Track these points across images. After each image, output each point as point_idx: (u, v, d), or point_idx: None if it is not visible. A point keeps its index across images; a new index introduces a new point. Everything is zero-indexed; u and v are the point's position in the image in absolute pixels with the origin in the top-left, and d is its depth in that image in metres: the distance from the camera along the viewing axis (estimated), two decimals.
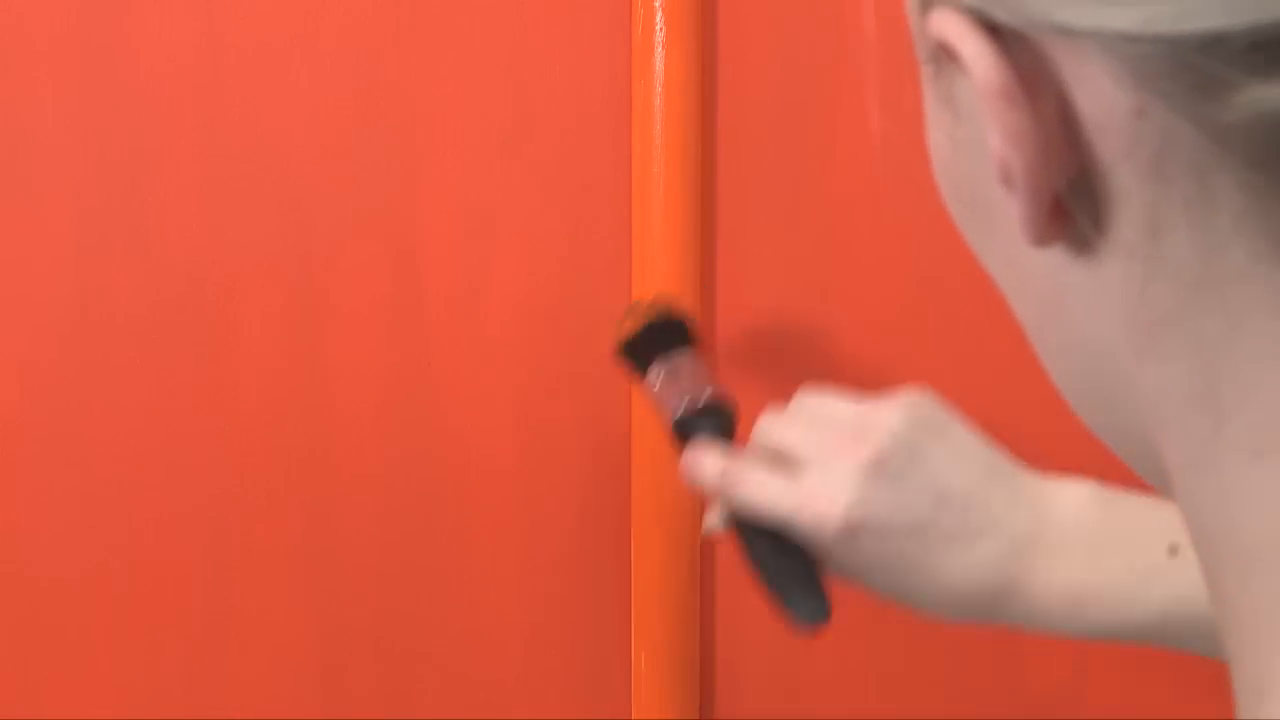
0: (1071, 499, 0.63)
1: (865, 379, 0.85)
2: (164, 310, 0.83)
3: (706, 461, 0.65)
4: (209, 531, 0.85)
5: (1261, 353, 0.29)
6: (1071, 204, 0.31)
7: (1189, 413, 0.31)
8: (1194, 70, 0.27)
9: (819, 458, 0.62)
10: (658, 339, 0.75)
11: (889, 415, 0.63)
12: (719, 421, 0.71)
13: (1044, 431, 0.86)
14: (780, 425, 0.65)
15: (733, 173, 0.83)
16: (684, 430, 0.71)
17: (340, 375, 0.84)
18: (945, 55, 0.32)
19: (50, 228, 0.82)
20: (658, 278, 0.81)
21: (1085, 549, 0.61)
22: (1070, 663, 0.88)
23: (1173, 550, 0.60)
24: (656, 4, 0.79)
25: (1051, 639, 0.88)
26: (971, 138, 0.33)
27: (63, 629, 0.86)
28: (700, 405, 0.71)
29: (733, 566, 0.86)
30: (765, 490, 0.63)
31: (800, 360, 0.83)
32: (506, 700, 0.87)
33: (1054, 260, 0.33)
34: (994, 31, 0.30)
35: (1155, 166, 0.29)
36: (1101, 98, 0.29)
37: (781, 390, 0.85)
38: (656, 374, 0.74)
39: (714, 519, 0.68)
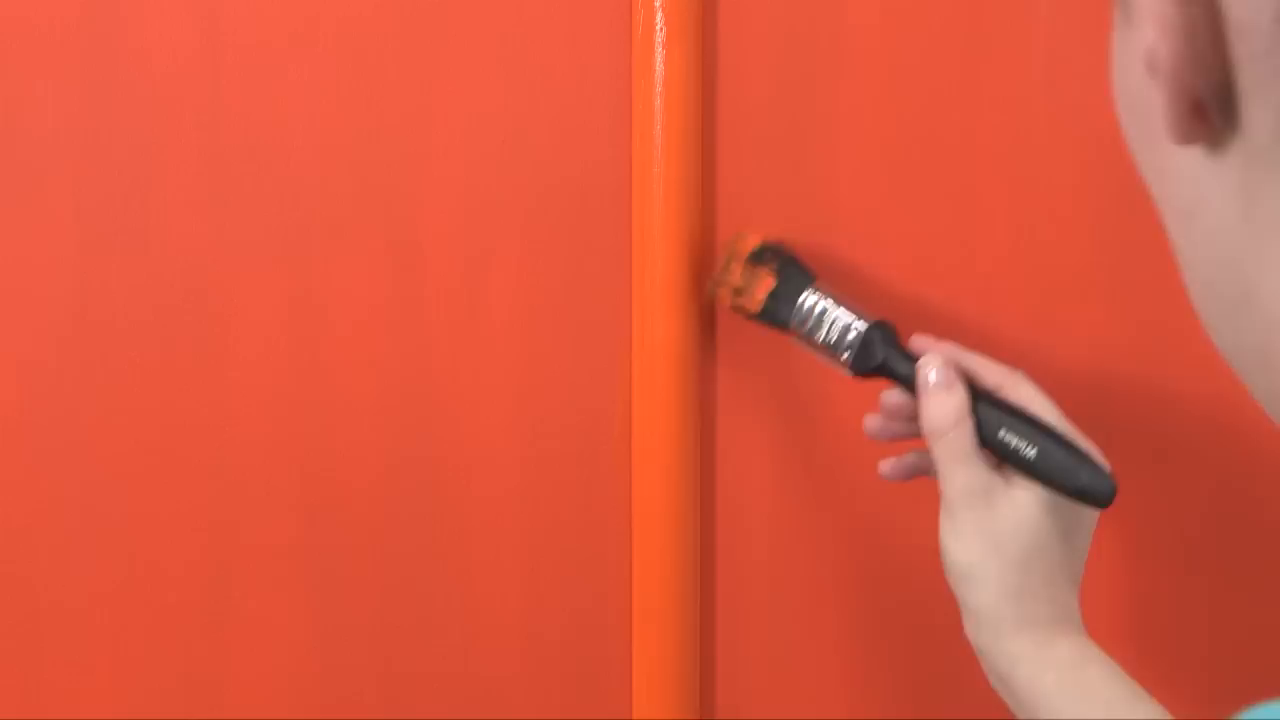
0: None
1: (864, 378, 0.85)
2: (164, 310, 0.83)
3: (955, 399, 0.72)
4: (209, 531, 0.85)
5: None
6: (1209, 103, 0.33)
7: None
8: None
9: None
10: (783, 284, 0.78)
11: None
12: (894, 337, 0.76)
13: None
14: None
15: (733, 172, 0.83)
16: (873, 358, 0.75)
17: (340, 375, 0.84)
18: None
19: (50, 227, 0.82)
20: (658, 277, 0.81)
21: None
22: None
23: None
24: (656, 4, 0.79)
25: None
26: (1137, 40, 0.35)
27: (63, 629, 0.86)
28: (881, 322, 0.76)
29: (733, 566, 0.86)
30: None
31: (800, 359, 0.83)
32: (506, 700, 0.87)
33: (1193, 161, 0.34)
34: None
35: None
36: (1250, 1, 0.31)
37: (782, 389, 0.85)
38: (803, 318, 0.77)
39: (906, 463, 0.77)
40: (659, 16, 0.80)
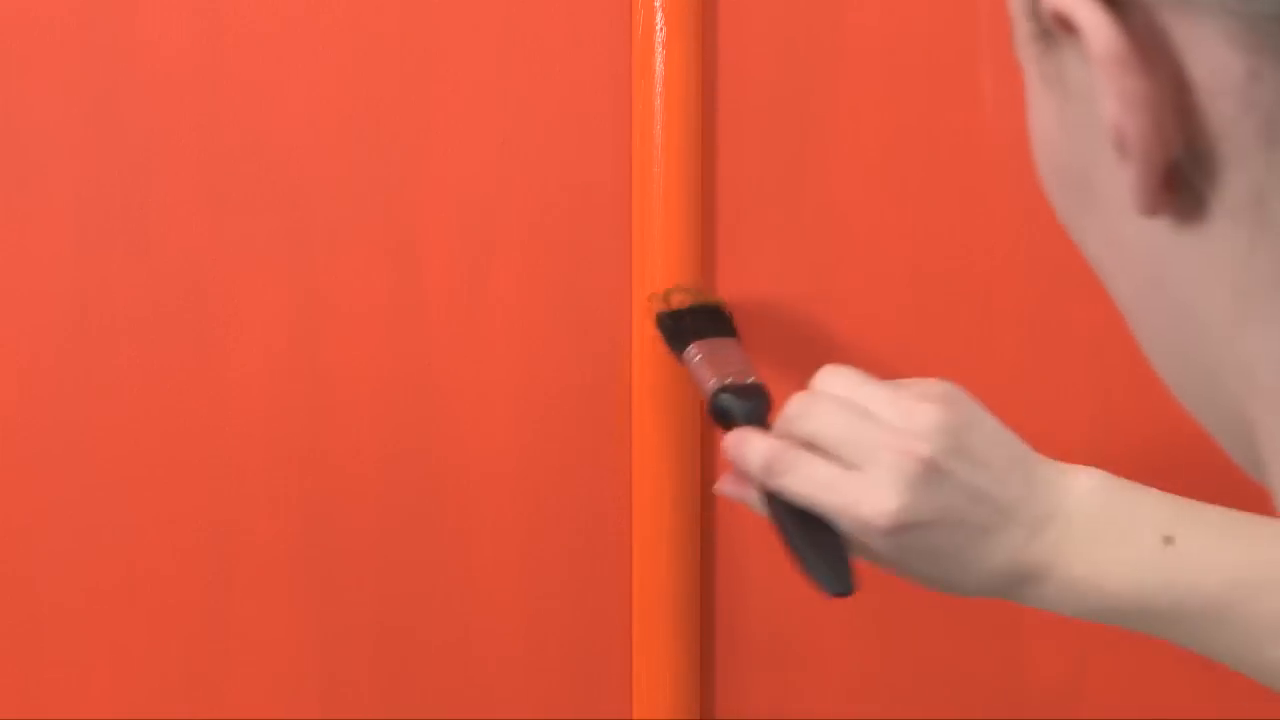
0: (1077, 485, 0.65)
1: None
2: (164, 310, 0.83)
3: (755, 444, 0.66)
4: (209, 531, 0.85)
5: None
6: (1186, 171, 0.31)
7: None
8: None
9: (866, 455, 0.63)
10: (702, 319, 0.78)
11: (935, 414, 0.64)
12: (759, 405, 0.72)
13: (1043, 428, 0.86)
14: (815, 411, 0.66)
15: (733, 172, 0.83)
16: (724, 408, 0.72)
17: (340, 375, 0.84)
18: (1060, 27, 0.32)
19: (50, 228, 0.82)
20: (658, 277, 0.81)
21: (1084, 536, 0.63)
22: (1070, 662, 0.88)
23: (1167, 540, 0.62)
24: (656, 4, 0.79)
25: (1051, 638, 0.88)
26: (1080, 114, 0.34)
27: (63, 629, 0.86)
28: (744, 384, 0.73)
29: (733, 566, 0.86)
30: (813, 483, 0.64)
31: (800, 359, 0.83)
32: (506, 700, 0.87)
33: (1158, 232, 0.33)
34: (1109, 0, 0.31)
35: (1268, 130, 0.30)
36: (1215, 62, 0.30)
37: (782, 389, 0.85)
38: (696, 351, 0.76)
39: (742, 493, 0.69)
40: (659, 16, 0.80)
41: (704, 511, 0.85)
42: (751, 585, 0.87)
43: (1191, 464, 0.86)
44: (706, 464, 0.85)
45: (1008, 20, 0.37)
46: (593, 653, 0.87)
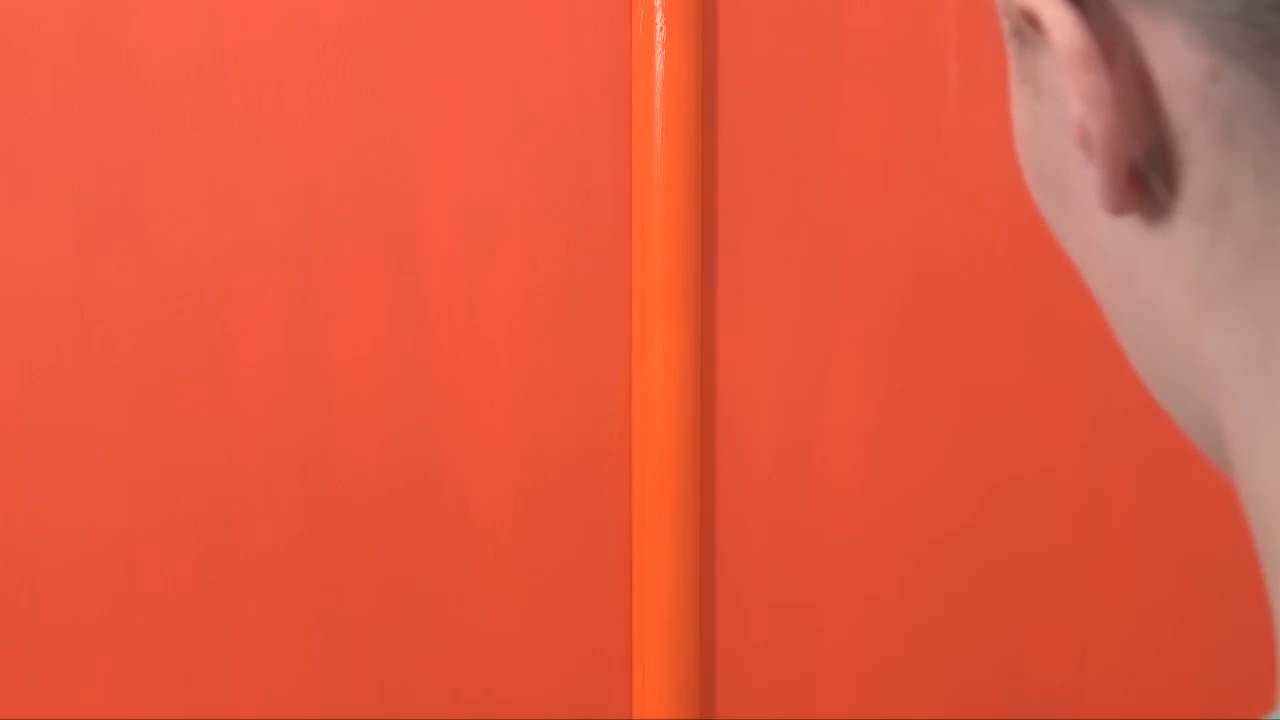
0: None
1: (865, 378, 0.85)
2: (164, 310, 0.83)
3: None
4: (209, 531, 0.85)
5: None
6: (1146, 170, 0.32)
7: (1247, 378, 0.32)
8: (1266, 29, 0.28)
9: None
10: None
11: None
12: None
13: (1042, 433, 0.86)
14: None
15: (733, 173, 0.83)
16: None
17: (340, 375, 0.84)
18: (1028, 25, 0.33)
19: (50, 228, 0.82)
20: (658, 278, 0.81)
21: None
22: (1070, 663, 0.88)
23: None
24: (656, 4, 0.79)
25: (1051, 638, 0.88)
26: (1051, 112, 0.34)
27: (63, 629, 0.86)
28: None
29: (733, 566, 0.86)
30: None
31: (800, 359, 0.83)
32: (506, 701, 0.87)
33: (1127, 230, 0.33)
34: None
35: (1227, 130, 0.30)
36: (1176, 61, 0.30)
37: (782, 390, 0.85)
38: None
39: None
40: (659, 16, 0.80)
41: (704, 511, 0.85)
42: (751, 585, 0.87)
43: (1192, 464, 0.86)
44: (706, 464, 0.85)
45: (982, 17, 0.37)
46: (593, 653, 0.87)
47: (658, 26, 0.80)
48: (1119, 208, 0.32)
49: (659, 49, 0.80)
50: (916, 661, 0.87)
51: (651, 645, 0.85)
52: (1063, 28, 0.31)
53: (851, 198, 0.83)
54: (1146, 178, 0.32)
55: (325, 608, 0.86)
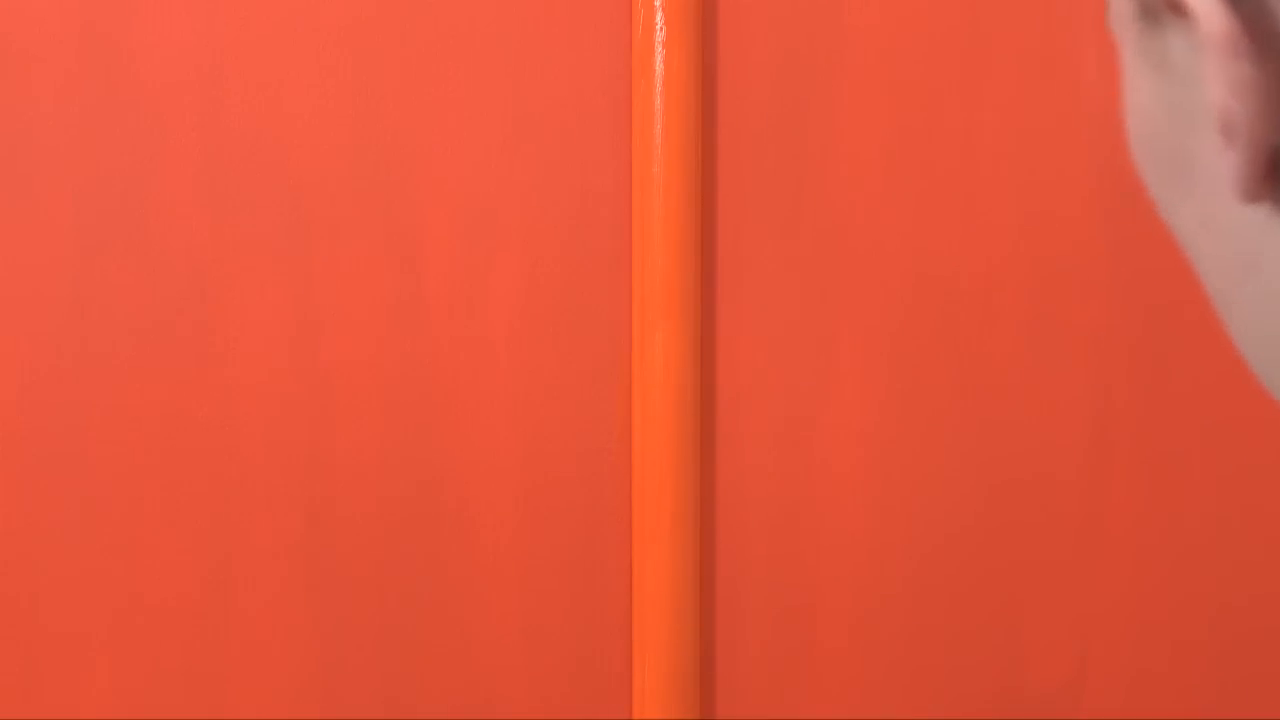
0: None
1: (865, 378, 0.85)
2: (164, 310, 0.83)
3: None
4: (210, 531, 0.85)
5: None
6: None
7: None
8: None
9: None
10: None
11: None
12: None
13: (1042, 433, 0.86)
14: None
15: (733, 173, 0.83)
16: None
17: (340, 375, 0.84)
18: (1168, 9, 0.32)
19: (50, 228, 0.82)
20: (658, 278, 0.81)
21: None
22: (1070, 663, 0.88)
23: None
24: (656, 4, 0.79)
25: (1051, 638, 0.88)
26: (1181, 96, 0.34)
27: (63, 629, 0.86)
28: None
29: (733, 566, 0.86)
30: None
31: (800, 359, 0.83)
32: (506, 701, 0.87)
33: (1256, 218, 0.33)
34: None
35: None
36: None
37: (782, 391, 0.85)
38: None
39: None
40: (659, 16, 0.80)
41: (704, 511, 0.85)
42: (751, 585, 0.87)
43: (1192, 464, 0.86)
44: (706, 464, 0.85)
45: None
46: (593, 653, 0.87)
47: (658, 26, 0.80)
48: (1255, 195, 0.32)
49: (659, 49, 0.80)
50: (916, 661, 0.87)
51: (651, 645, 0.85)
52: (1211, 14, 0.31)
53: (851, 198, 0.83)
54: None
55: (325, 606, 0.86)
